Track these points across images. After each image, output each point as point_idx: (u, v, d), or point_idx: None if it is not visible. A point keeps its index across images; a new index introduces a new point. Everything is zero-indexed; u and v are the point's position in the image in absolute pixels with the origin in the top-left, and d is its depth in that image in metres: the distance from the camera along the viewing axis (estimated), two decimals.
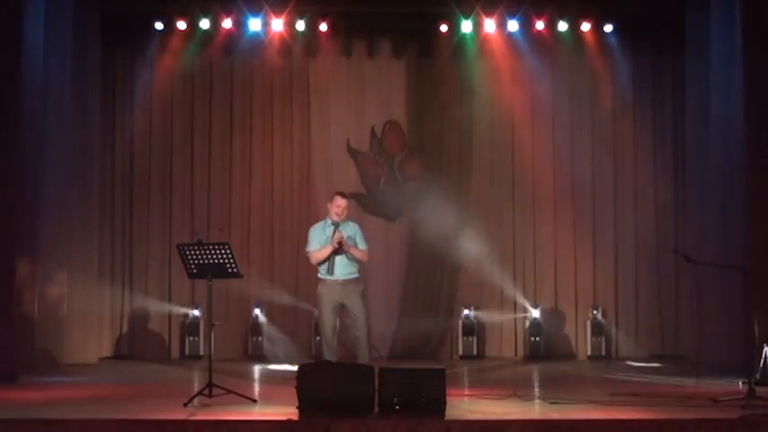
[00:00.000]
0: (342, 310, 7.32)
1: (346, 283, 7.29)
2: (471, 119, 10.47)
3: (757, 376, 7.26)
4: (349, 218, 7.58)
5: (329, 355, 7.20)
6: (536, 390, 7.42)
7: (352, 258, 7.31)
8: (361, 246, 7.40)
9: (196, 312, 10.06)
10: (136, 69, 10.44)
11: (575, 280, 10.42)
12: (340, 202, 7.39)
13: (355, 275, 7.36)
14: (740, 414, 5.91)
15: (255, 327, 10.14)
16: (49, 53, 8.74)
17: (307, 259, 10.20)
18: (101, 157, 10.03)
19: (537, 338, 10.10)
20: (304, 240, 10.31)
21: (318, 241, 7.36)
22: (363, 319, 7.31)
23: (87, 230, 9.66)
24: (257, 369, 9.22)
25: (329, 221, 7.41)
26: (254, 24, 10.10)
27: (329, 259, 7.26)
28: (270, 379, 8.38)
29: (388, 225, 10.38)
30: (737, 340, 8.15)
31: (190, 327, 10.06)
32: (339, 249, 7.23)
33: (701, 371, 7.88)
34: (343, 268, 7.29)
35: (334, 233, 7.28)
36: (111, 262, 10.27)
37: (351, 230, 7.42)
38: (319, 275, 7.40)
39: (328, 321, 7.27)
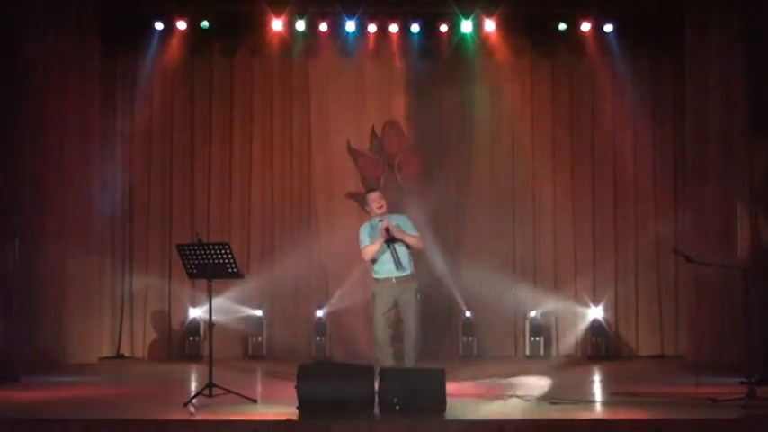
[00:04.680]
0: (394, 306, 7.12)
1: (402, 280, 7.07)
2: (471, 119, 10.47)
3: None
4: (396, 211, 7.37)
5: (383, 358, 6.94)
6: (536, 390, 7.42)
7: (407, 248, 7.07)
8: (413, 233, 7.16)
9: (197, 312, 10.06)
10: (136, 69, 10.44)
11: (575, 280, 10.41)
12: (374, 196, 7.21)
13: (410, 272, 7.13)
14: (740, 414, 5.92)
15: (255, 327, 10.13)
16: (49, 53, 8.73)
17: (308, 256, 10.39)
18: (101, 157, 10.02)
19: (537, 338, 10.11)
20: (304, 240, 10.47)
21: (369, 237, 7.13)
22: (415, 317, 7.07)
23: (87, 231, 9.66)
24: (257, 369, 9.21)
25: (376, 219, 7.19)
26: (255, 24, 10.09)
27: (393, 254, 7.03)
28: (270, 379, 8.38)
29: None
30: (737, 340, 8.15)
31: (190, 327, 10.07)
32: (392, 238, 6.99)
33: (701, 371, 7.89)
34: (408, 263, 7.07)
35: (387, 232, 7.02)
36: (111, 262, 10.27)
37: (399, 220, 7.19)
38: (374, 276, 7.18)
39: (381, 325, 7.03)
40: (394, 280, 7.09)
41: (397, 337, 7.24)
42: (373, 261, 7.15)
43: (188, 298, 10.17)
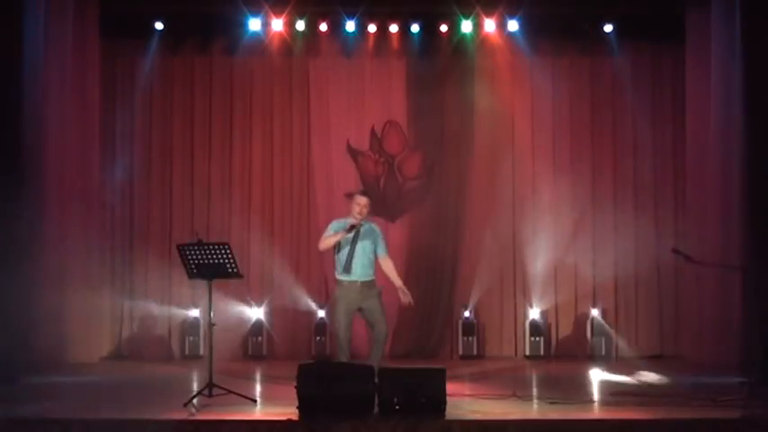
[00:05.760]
0: (358, 312, 7.15)
1: (365, 285, 7.11)
2: (471, 119, 10.47)
3: None
4: (372, 222, 7.39)
5: (342, 357, 7.02)
6: (536, 390, 7.42)
7: (371, 255, 7.14)
8: (382, 249, 7.27)
9: (196, 312, 10.07)
10: (136, 69, 10.43)
11: (575, 280, 10.41)
12: (361, 200, 7.21)
13: (373, 278, 7.19)
14: (740, 414, 5.92)
15: (255, 327, 10.14)
16: (49, 53, 8.73)
17: (308, 257, 10.39)
18: (101, 156, 10.02)
19: (537, 338, 10.11)
20: (304, 240, 10.48)
21: (335, 231, 7.18)
22: (383, 321, 7.12)
23: (87, 230, 9.66)
24: (257, 369, 9.22)
25: (351, 219, 7.19)
26: (254, 24, 10.09)
27: (348, 256, 7.07)
28: (270, 379, 8.38)
29: (388, 225, 10.36)
30: (737, 340, 8.15)
31: (190, 327, 10.07)
32: (356, 241, 7.04)
33: (701, 371, 7.90)
34: (363, 269, 7.09)
35: (351, 228, 7.07)
36: (111, 262, 10.26)
37: (372, 232, 7.25)
38: (337, 276, 7.20)
39: (343, 325, 7.06)
40: (358, 284, 7.09)
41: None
42: (335, 258, 7.20)
43: (188, 298, 10.17)
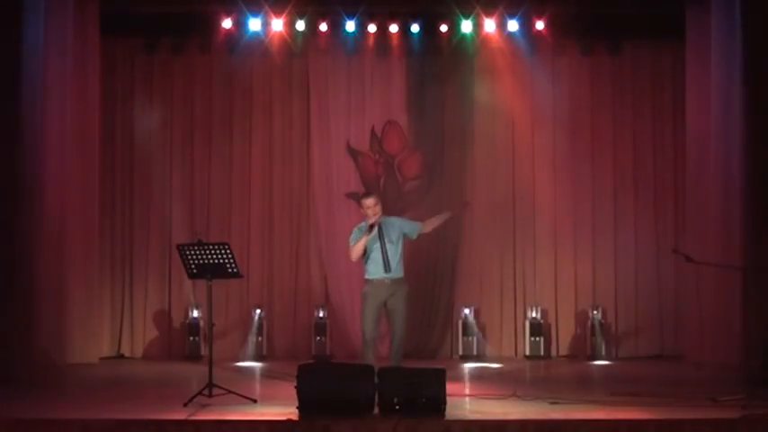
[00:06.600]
0: (383, 308, 7.16)
1: (395, 282, 7.13)
2: (471, 119, 10.47)
3: None
4: (395, 212, 7.43)
5: (369, 357, 6.97)
6: (536, 390, 7.42)
7: (400, 251, 7.17)
8: (414, 230, 7.35)
9: (196, 312, 10.07)
10: (136, 69, 10.44)
11: (575, 280, 10.40)
12: (369, 201, 7.17)
13: (403, 275, 7.21)
14: (740, 414, 5.92)
15: (256, 327, 10.14)
16: (49, 52, 8.73)
17: (307, 257, 10.39)
18: (101, 156, 10.01)
19: (537, 338, 10.11)
20: (304, 240, 10.49)
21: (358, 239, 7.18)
22: (403, 320, 7.14)
23: (87, 230, 9.66)
24: (257, 369, 9.22)
25: (367, 223, 7.14)
26: (254, 24, 10.08)
27: (383, 256, 7.06)
28: (270, 379, 8.39)
29: None
30: (737, 340, 8.16)
31: (190, 327, 10.07)
32: (382, 239, 7.03)
33: (701, 371, 7.89)
34: (398, 266, 7.13)
35: (371, 230, 7.05)
36: (111, 262, 10.27)
37: (397, 224, 7.29)
38: (367, 276, 7.19)
39: (370, 322, 7.06)
40: (387, 281, 7.11)
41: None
42: (365, 261, 7.19)
43: (188, 298, 10.18)
